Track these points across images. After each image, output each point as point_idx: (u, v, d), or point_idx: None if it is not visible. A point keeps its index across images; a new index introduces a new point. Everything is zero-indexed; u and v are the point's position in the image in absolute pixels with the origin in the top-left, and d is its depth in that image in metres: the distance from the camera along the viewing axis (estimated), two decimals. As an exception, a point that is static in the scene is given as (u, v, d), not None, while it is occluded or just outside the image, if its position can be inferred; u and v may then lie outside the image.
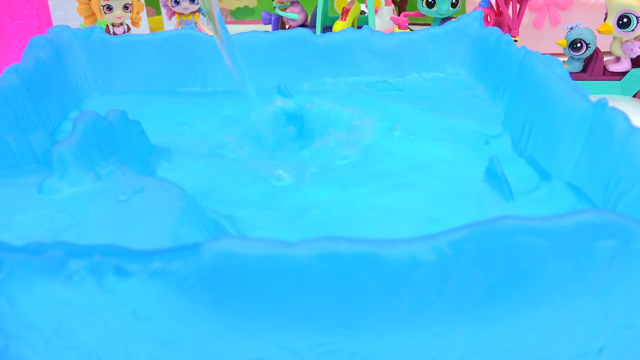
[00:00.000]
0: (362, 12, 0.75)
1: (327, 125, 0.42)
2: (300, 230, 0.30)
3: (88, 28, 0.50)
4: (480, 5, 0.63)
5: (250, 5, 1.16)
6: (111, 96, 0.48)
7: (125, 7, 0.63)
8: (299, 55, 0.50)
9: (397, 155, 0.37)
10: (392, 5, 0.81)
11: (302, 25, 0.73)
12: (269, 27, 0.78)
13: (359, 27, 0.71)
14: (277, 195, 0.33)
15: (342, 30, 0.50)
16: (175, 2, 0.68)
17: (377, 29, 0.72)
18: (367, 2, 0.68)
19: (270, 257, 0.18)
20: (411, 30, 0.63)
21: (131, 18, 0.65)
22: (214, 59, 0.50)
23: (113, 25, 0.65)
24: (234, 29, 1.08)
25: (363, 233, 0.29)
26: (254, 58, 0.50)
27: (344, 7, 0.69)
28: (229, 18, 1.14)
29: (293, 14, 0.71)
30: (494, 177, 0.32)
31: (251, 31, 0.50)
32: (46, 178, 0.27)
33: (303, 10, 0.73)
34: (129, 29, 0.66)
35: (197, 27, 0.70)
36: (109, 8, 0.63)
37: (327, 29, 0.72)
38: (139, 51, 0.50)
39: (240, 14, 1.16)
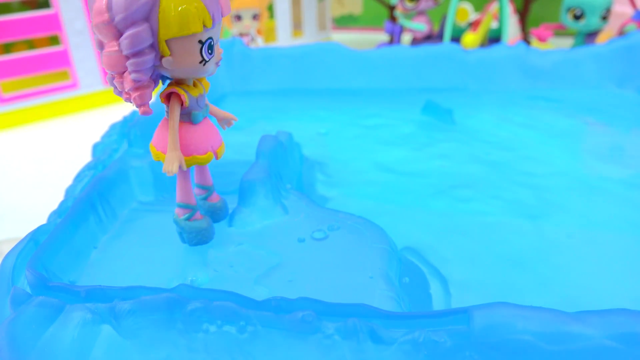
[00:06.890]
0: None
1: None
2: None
3: (228, 39, 0.49)
4: (633, 18, 0.58)
5: (355, 13, 1.14)
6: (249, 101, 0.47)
7: (254, 17, 0.62)
8: (447, 71, 0.47)
9: (562, 173, 0.33)
10: (517, 15, 0.77)
11: (428, 37, 0.70)
12: (379, 37, 0.75)
13: (493, 40, 0.68)
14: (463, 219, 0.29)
15: (493, 46, 0.47)
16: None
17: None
18: (500, 12, 0.64)
19: (555, 333, 0.16)
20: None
21: (257, 29, 0.64)
22: (351, 71, 0.49)
23: (241, 35, 0.64)
24: (337, 37, 1.06)
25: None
26: (398, 72, 0.48)
27: (476, 19, 0.66)
28: (333, 24, 1.12)
29: (420, 25, 0.68)
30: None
31: (394, 45, 0.48)
32: (237, 210, 0.25)
33: (429, 20, 0.70)
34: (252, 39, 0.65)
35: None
36: (239, 17, 0.62)
37: (453, 40, 0.69)
38: (277, 63, 0.49)
39: (344, 22, 1.14)
